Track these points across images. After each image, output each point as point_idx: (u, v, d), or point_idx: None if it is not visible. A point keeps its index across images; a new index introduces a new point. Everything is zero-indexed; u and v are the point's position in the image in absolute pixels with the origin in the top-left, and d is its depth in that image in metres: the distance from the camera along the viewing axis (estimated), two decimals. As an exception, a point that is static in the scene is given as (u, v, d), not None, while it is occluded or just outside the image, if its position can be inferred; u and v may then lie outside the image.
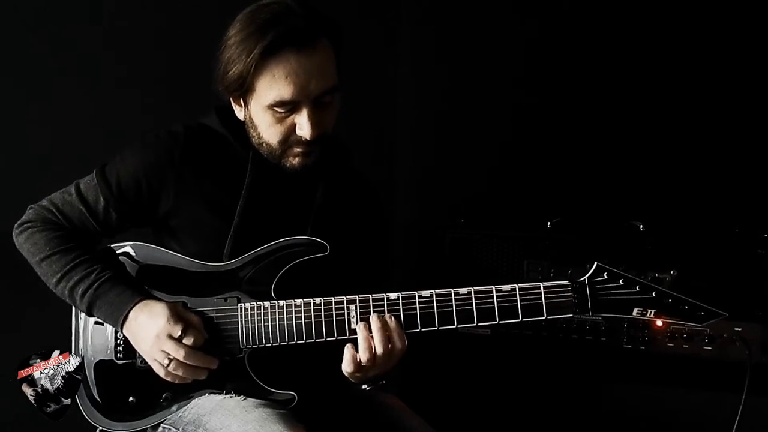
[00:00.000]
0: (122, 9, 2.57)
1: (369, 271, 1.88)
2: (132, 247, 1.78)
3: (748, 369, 2.16)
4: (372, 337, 1.62)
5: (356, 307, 1.65)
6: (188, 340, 1.64)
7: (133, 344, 1.70)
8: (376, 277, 1.88)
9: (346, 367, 1.64)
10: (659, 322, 2.30)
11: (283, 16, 1.62)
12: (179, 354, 1.63)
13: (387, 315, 1.63)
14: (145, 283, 1.74)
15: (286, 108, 1.65)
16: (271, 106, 1.65)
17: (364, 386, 1.71)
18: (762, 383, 2.18)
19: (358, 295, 1.66)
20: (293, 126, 1.68)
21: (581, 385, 2.46)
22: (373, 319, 1.63)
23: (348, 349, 1.63)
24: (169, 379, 1.67)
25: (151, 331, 1.64)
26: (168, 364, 1.64)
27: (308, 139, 1.66)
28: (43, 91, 2.44)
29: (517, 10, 3.11)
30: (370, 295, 1.65)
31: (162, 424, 1.74)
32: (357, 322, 1.64)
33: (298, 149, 1.70)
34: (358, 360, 1.62)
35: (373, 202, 1.95)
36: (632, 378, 2.39)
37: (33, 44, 2.42)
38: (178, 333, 1.63)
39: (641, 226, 2.45)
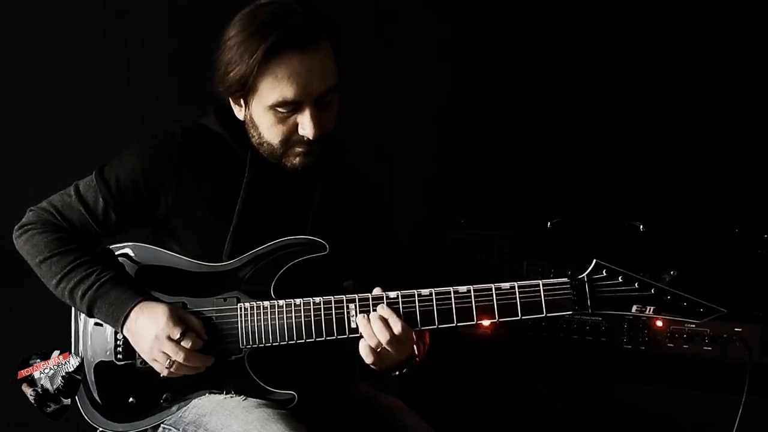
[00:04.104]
0: (120, 9, 2.57)
1: (388, 265, 1.89)
2: (131, 248, 1.78)
3: (748, 369, 2.16)
4: (372, 327, 1.63)
5: (356, 306, 1.66)
6: (187, 343, 1.64)
7: (132, 344, 1.70)
8: (397, 269, 1.89)
9: (366, 358, 1.65)
10: (659, 323, 2.29)
11: (285, 15, 1.62)
12: (179, 356, 1.64)
13: (380, 306, 1.64)
14: (145, 284, 1.74)
15: (288, 108, 1.65)
16: (273, 107, 1.65)
17: (395, 372, 1.72)
18: (762, 384, 2.18)
19: (357, 294, 1.66)
20: (295, 126, 1.68)
21: (581, 386, 2.46)
22: (371, 313, 1.64)
23: (360, 343, 1.64)
24: (170, 376, 1.68)
25: (151, 332, 1.64)
26: (169, 365, 1.65)
27: (310, 138, 1.67)
28: (43, 92, 2.44)
29: (518, 10, 3.11)
30: (369, 294, 1.66)
31: (162, 425, 1.74)
32: (357, 322, 1.65)
33: (300, 149, 1.70)
34: (369, 347, 1.63)
35: (374, 197, 1.95)
36: (632, 378, 2.39)
37: (32, 46, 2.42)
38: (177, 335, 1.63)
39: (641, 226, 2.44)
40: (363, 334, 1.63)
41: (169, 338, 1.63)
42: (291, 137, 1.69)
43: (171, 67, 2.63)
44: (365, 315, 1.64)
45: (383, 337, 1.61)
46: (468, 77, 3.19)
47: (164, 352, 1.64)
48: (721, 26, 2.85)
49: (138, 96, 2.58)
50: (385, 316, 1.62)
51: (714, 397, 2.28)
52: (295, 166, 1.73)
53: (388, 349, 1.62)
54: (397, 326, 1.61)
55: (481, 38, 3.17)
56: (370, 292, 1.67)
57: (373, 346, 1.63)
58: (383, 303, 1.64)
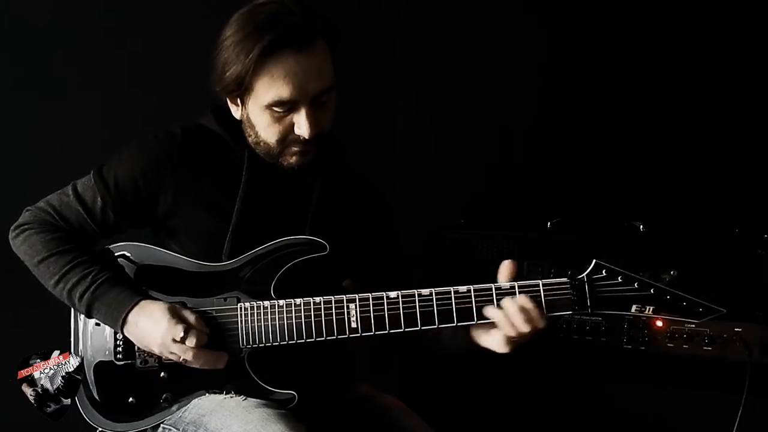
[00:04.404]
0: (120, 9, 2.57)
1: (388, 263, 1.89)
2: (130, 248, 1.77)
3: (748, 369, 2.16)
4: (511, 317, 1.61)
5: (356, 306, 1.66)
6: (191, 342, 1.64)
7: (141, 347, 1.71)
8: (396, 267, 1.89)
9: (498, 349, 1.65)
10: (659, 323, 2.29)
11: (281, 15, 1.62)
12: (187, 355, 1.65)
13: (523, 297, 1.62)
14: (144, 285, 1.74)
15: (285, 108, 1.66)
16: (270, 106, 1.65)
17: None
18: (762, 383, 2.17)
19: (358, 293, 1.66)
20: (291, 125, 1.68)
21: (581, 386, 2.45)
22: (508, 301, 1.62)
23: (494, 334, 1.64)
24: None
25: (156, 337, 1.65)
26: (183, 362, 1.66)
27: (306, 137, 1.67)
28: (43, 92, 2.44)
29: (518, 10, 3.11)
30: (369, 294, 1.65)
31: (162, 425, 1.74)
32: (357, 322, 1.65)
33: (296, 148, 1.70)
34: (507, 338, 1.63)
35: (373, 194, 1.94)
36: (632, 378, 2.39)
37: (32, 46, 2.42)
38: (180, 335, 1.63)
39: (641, 226, 2.44)
40: (500, 325, 1.62)
41: (174, 340, 1.64)
42: (287, 137, 1.69)
43: (171, 67, 2.62)
44: (497, 305, 1.62)
45: (524, 328, 1.60)
46: (468, 77, 3.19)
47: (173, 353, 1.65)
48: (721, 26, 2.84)
49: (138, 96, 2.58)
50: (527, 308, 1.61)
51: (714, 397, 2.28)
52: (291, 165, 1.73)
53: (526, 336, 1.62)
54: (538, 318, 1.60)
55: (481, 38, 3.16)
56: (370, 291, 1.66)
57: (513, 335, 1.62)
58: (516, 292, 1.63)
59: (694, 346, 2.28)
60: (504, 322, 1.62)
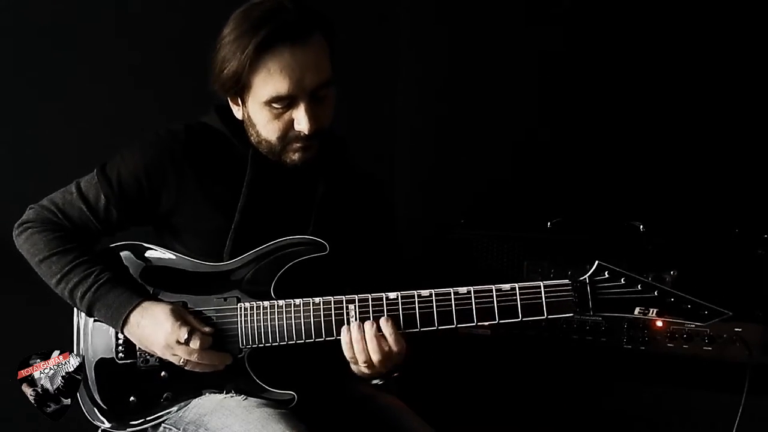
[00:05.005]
0: (121, 10, 2.57)
1: (382, 260, 1.90)
2: (132, 247, 1.78)
3: (748, 369, 2.16)
4: (366, 342, 1.62)
5: (356, 306, 1.65)
6: (195, 344, 1.65)
7: (143, 348, 1.71)
8: (395, 265, 1.89)
9: (352, 368, 1.66)
10: (659, 323, 2.29)
11: (276, 12, 1.63)
12: (192, 357, 1.66)
13: (383, 318, 1.62)
14: (146, 284, 1.75)
15: (283, 103, 1.66)
16: (268, 102, 1.66)
17: (375, 381, 1.72)
18: (762, 383, 2.17)
19: (357, 294, 1.66)
20: (291, 121, 1.68)
21: (581, 385, 2.45)
22: (367, 326, 1.62)
23: (346, 352, 1.64)
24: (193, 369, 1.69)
25: (158, 339, 1.66)
26: (184, 364, 1.67)
27: (307, 133, 1.67)
28: (43, 92, 2.44)
29: (518, 10, 3.11)
30: (369, 295, 1.65)
31: (163, 424, 1.74)
32: (356, 322, 1.65)
33: (297, 144, 1.71)
34: (356, 360, 1.63)
35: (376, 193, 1.95)
36: (632, 378, 2.39)
37: (32, 45, 2.42)
38: (184, 337, 1.64)
39: (641, 227, 2.44)
40: (355, 349, 1.62)
41: (178, 342, 1.64)
42: (288, 133, 1.70)
43: (171, 67, 2.62)
44: (361, 327, 1.62)
45: (376, 357, 1.61)
46: (468, 77, 3.19)
47: (177, 355, 1.66)
48: (721, 26, 2.84)
49: (139, 96, 2.58)
50: (386, 333, 1.61)
51: (714, 397, 2.28)
52: (294, 162, 1.73)
53: (377, 366, 1.63)
54: (396, 345, 1.61)
55: (481, 38, 3.16)
56: (367, 290, 1.66)
57: (361, 362, 1.63)
58: (388, 315, 1.63)
59: (694, 346, 2.28)
60: (358, 346, 1.61)
